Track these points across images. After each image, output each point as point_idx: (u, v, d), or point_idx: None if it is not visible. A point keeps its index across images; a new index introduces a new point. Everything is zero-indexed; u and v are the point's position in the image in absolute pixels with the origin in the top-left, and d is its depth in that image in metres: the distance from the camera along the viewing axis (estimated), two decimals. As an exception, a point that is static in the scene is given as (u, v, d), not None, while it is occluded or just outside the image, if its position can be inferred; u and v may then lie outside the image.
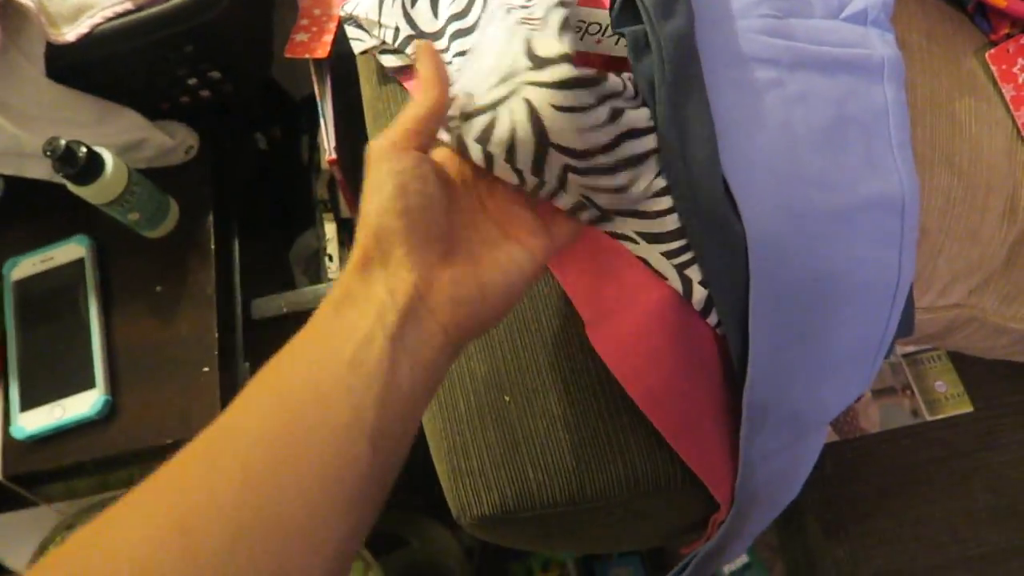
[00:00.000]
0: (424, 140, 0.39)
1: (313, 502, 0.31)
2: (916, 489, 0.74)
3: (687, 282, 0.49)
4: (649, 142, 0.47)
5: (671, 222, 0.48)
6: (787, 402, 0.51)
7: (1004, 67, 0.61)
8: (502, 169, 0.41)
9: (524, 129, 0.40)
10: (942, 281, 0.60)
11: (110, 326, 0.75)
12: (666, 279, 0.49)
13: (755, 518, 0.59)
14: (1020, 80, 0.61)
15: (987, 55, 0.62)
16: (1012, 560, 0.71)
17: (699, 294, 0.49)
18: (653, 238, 0.49)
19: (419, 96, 0.40)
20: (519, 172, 0.42)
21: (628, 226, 0.49)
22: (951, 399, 0.75)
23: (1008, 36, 0.62)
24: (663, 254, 0.49)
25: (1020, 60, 0.61)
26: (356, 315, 0.35)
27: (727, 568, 1.31)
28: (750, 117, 0.49)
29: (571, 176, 0.43)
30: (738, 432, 0.51)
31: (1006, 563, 0.71)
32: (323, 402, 0.33)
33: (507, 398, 0.55)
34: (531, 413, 0.54)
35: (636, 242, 0.49)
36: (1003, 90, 0.61)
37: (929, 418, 0.75)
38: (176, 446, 0.70)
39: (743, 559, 1.31)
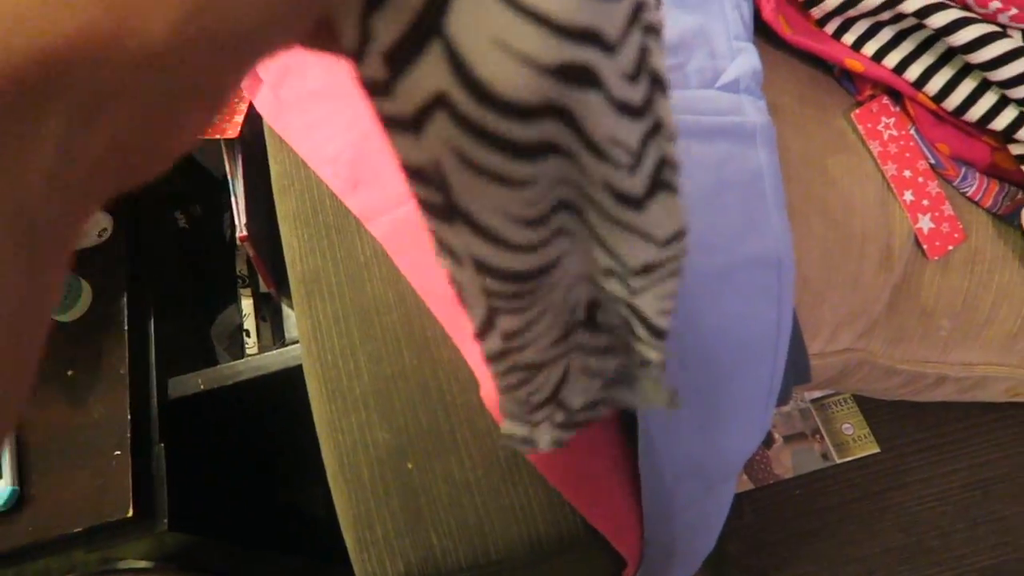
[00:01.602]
0: None
1: None
2: (833, 531, 0.76)
3: None
4: None
5: None
6: (688, 455, 0.53)
7: (870, 125, 0.66)
8: None
9: None
10: (829, 328, 0.63)
11: (19, 413, 0.74)
12: None
13: (674, 572, 0.60)
14: (885, 137, 0.65)
15: (853, 115, 0.66)
16: (926, 597, 0.72)
17: None
18: None
19: None
20: None
21: None
22: (858, 441, 0.77)
23: (871, 97, 0.67)
24: None
25: (884, 119, 0.66)
26: None
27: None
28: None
29: None
30: (639, 487, 0.52)
31: (920, 600, 0.72)
32: None
33: (410, 465, 0.55)
34: (433, 478, 0.55)
35: None
36: (870, 146, 0.65)
37: (839, 460, 0.77)
38: (88, 534, 0.68)
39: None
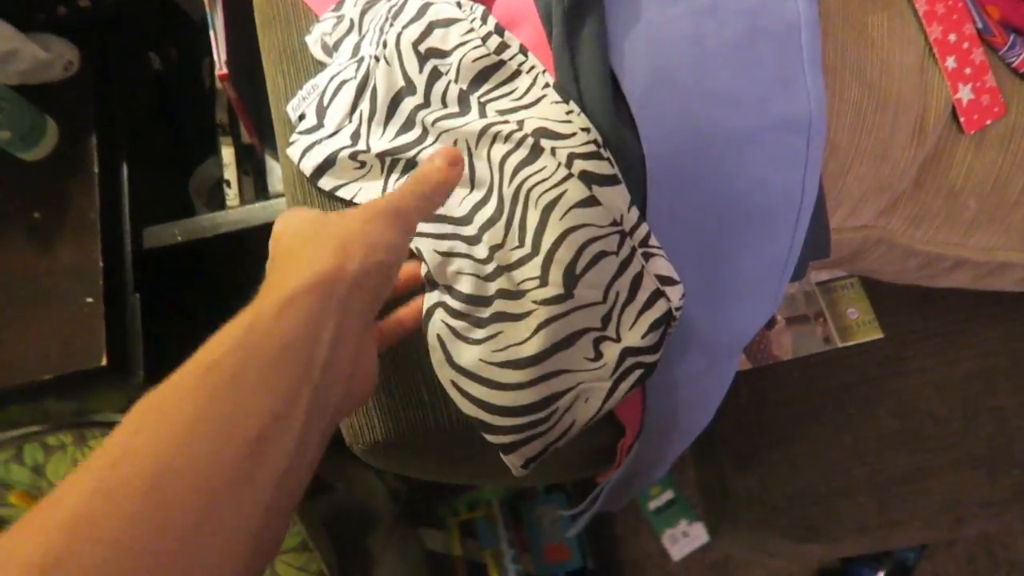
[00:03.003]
0: (424, 218, 0.41)
1: None
2: (826, 414, 0.75)
3: None
4: None
5: None
6: (694, 326, 0.50)
7: (918, -20, 0.60)
8: None
9: None
10: (851, 200, 0.59)
11: (-17, 255, 0.70)
12: None
13: (668, 446, 0.58)
14: (933, -6, 0.59)
15: (901, -33, 0.60)
16: (915, 481, 0.72)
17: None
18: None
19: (439, 175, 0.40)
20: None
21: None
22: (862, 326, 0.75)
23: (923, -52, 0.60)
24: None
25: (934, -27, 0.59)
26: (279, 359, 0.29)
27: (652, 504, 1.33)
28: (655, 31, 0.47)
29: None
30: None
31: (909, 484, 0.72)
32: (206, 506, 0.26)
33: (401, 319, 0.52)
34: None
35: None
36: (916, 5, 0.60)
37: (840, 345, 0.75)
38: (58, 382, 0.66)
39: (668, 495, 1.33)
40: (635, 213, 0.43)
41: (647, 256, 0.43)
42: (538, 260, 0.43)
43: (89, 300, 0.67)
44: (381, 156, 0.49)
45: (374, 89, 0.49)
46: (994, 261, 0.65)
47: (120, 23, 0.78)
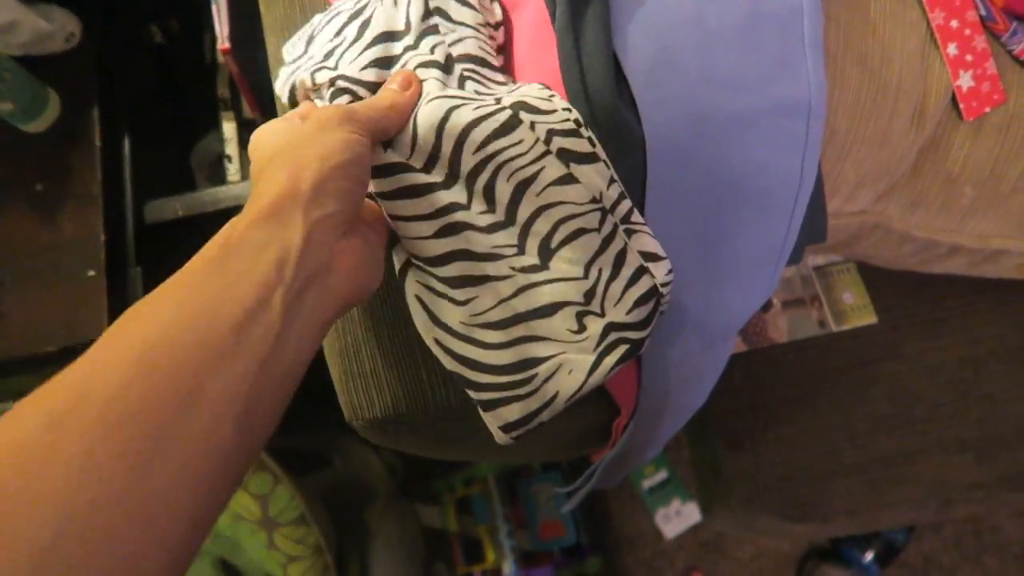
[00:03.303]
0: (378, 136, 0.41)
1: (159, 490, 0.27)
2: (819, 397, 0.76)
3: None
4: None
5: None
6: (690, 308, 0.51)
7: (922, -35, 0.59)
8: None
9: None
10: (849, 185, 0.60)
11: (-15, 226, 0.70)
12: None
13: (662, 425, 0.59)
14: (937, -20, 0.59)
15: (906, -48, 0.60)
16: (905, 464, 0.73)
17: None
18: None
19: (393, 95, 0.42)
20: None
21: None
22: (857, 310, 0.76)
23: (928, -67, 0.60)
24: None
25: (938, -42, 0.59)
26: (252, 263, 0.32)
27: (646, 483, 1.35)
28: (658, 13, 0.47)
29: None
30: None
31: (899, 467, 0.73)
32: (192, 377, 0.29)
33: (401, 297, 0.53)
34: (425, 312, 0.52)
35: None
36: (919, -10, 0.60)
37: (835, 329, 0.76)
38: (62, 353, 0.66)
39: (662, 475, 1.35)
40: (615, 190, 0.43)
41: (629, 232, 0.43)
42: (514, 230, 0.43)
43: (91, 273, 0.68)
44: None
45: (368, 21, 0.48)
46: (989, 248, 0.66)
47: (119, -5, 0.78)
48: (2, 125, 0.70)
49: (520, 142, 0.41)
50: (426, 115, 0.42)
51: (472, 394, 0.45)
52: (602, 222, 0.43)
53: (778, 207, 0.51)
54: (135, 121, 0.77)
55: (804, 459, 0.74)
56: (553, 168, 0.41)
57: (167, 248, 0.77)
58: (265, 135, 0.40)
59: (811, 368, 0.76)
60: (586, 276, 0.42)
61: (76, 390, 0.27)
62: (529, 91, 0.44)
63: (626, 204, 0.43)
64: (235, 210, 0.73)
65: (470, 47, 0.47)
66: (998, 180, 0.62)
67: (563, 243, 0.42)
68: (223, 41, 0.67)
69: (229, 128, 0.79)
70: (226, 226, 0.34)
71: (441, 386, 0.52)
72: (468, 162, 0.42)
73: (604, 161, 0.42)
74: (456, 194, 0.43)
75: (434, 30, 0.47)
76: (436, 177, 0.42)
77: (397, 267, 0.45)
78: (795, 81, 0.50)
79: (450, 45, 0.46)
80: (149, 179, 0.76)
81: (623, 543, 1.34)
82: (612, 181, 0.43)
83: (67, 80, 0.73)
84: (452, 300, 0.44)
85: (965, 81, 0.60)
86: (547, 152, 0.41)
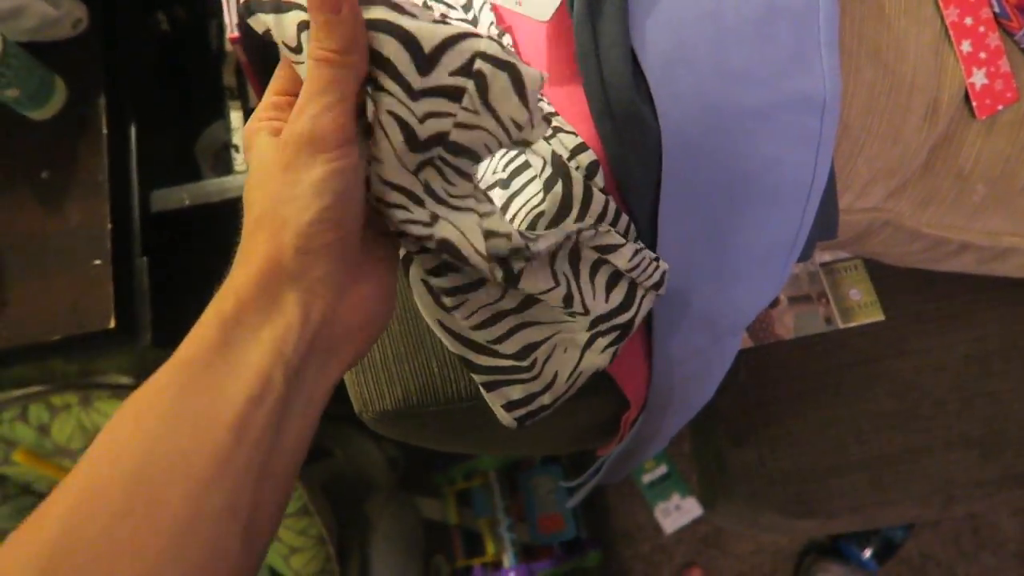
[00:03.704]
0: (352, 130, 0.32)
1: None
2: (825, 393, 0.76)
3: None
4: None
5: None
6: (699, 303, 0.51)
7: (937, -39, 0.59)
8: None
9: None
10: (861, 181, 0.59)
11: (-10, 213, 0.69)
12: None
13: (669, 420, 0.59)
14: (952, -24, 0.59)
15: (921, -52, 0.59)
16: (910, 461, 0.73)
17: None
18: None
19: (339, 69, 0.32)
20: None
21: None
22: (864, 307, 0.76)
23: (943, -71, 0.60)
24: None
25: (953, -45, 0.59)
26: (250, 351, 0.29)
27: (646, 478, 1.35)
28: (675, 6, 0.47)
29: None
30: (651, 332, 0.50)
31: (904, 464, 0.73)
32: (193, 489, 0.26)
33: (413, 289, 0.53)
34: (437, 305, 0.52)
35: None
36: (934, -14, 0.59)
37: (842, 326, 0.76)
38: (66, 343, 0.66)
39: (662, 469, 1.35)
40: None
41: (580, 231, 0.41)
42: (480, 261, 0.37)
43: (97, 262, 0.67)
44: None
45: None
46: (999, 246, 0.66)
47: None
48: (8, 112, 0.69)
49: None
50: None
51: (476, 376, 0.45)
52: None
53: (790, 202, 0.50)
54: (141, 109, 0.76)
55: (809, 455, 0.74)
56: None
57: (173, 237, 0.77)
58: (251, 190, 0.34)
59: (817, 364, 0.76)
60: (557, 283, 0.41)
61: (68, 528, 0.25)
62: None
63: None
64: (241, 200, 0.73)
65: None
66: (1009, 178, 0.62)
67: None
68: (232, 30, 0.67)
69: (236, 117, 0.78)
70: (217, 300, 0.31)
71: (452, 380, 0.52)
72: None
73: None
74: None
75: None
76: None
77: (401, 254, 0.44)
78: (810, 76, 0.50)
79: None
80: (155, 167, 0.76)
81: (622, 537, 1.34)
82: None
83: (73, 67, 0.72)
84: (446, 308, 0.43)
85: (978, 78, 0.60)
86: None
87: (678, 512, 1.33)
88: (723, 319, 0.53)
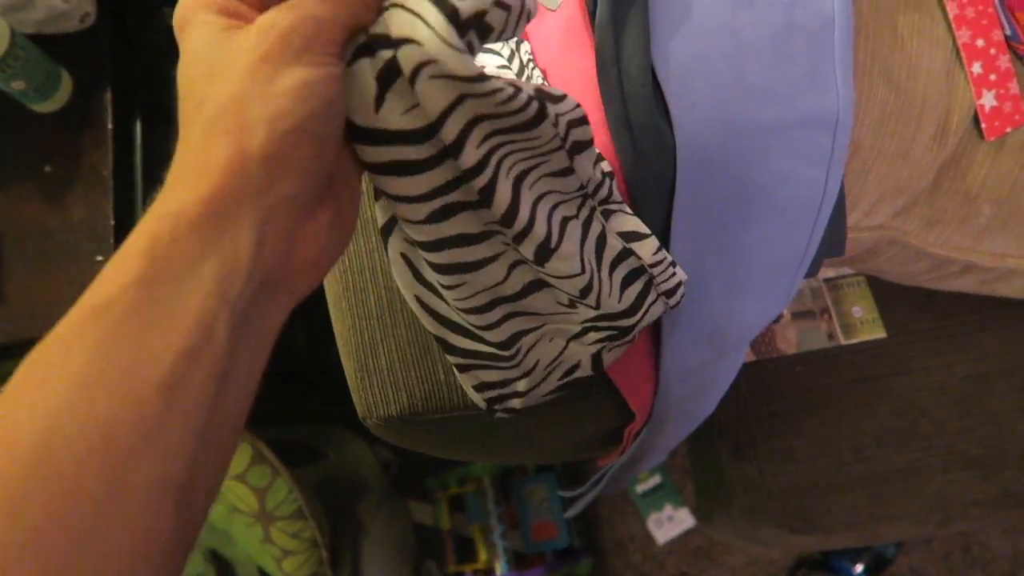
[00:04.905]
0: (343, 37, 0.28)
1: None
2: (826, 409, 0.76)
3: None
4: None
5: None
6: (708, 316, 0.51)
7: (950, -17, 0.59)
8: None
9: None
10: (869, 200, 0.60)
11: (-8, 206, 0.69)
12: None
13: (671, 432, 0.59)
14: (965, -2, 0.59)
15: (935, -31, 0.60)
16: (910, 479, 0.73)
17: None
18: None
19: None
20: None
21: None
22: (866, 324, 0.76)
23: (957, -49, 0.60)
24: None
25: (967, -23, 0.59)
26: (186, 291, 0.24)
27: (640, 488, 1.35)
28: (694, 20, 0.47)
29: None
30: (658, 344, 0.50)
31: (904, 481, 0.73)
32: (112, 464, 0.22)
33: (420, 295, 0.52)
34: (445, 312, 0.52)
35: None
36: (947, 8, 0.60)
37: (844, 342, 0.76)
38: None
39: (656, 480, 1.35)
40: (599, 171, 0.40)
41: (607, 214, 0.41)
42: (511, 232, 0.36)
43: (99, 258, 0.67)
44: None
45: None
46: (1004, 267, 0.66)
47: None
48: (13, 104, 0.69)
49: (537, 138, 0.36)
50: (434, 96, 0.30)
51: (451, 358, 0.44)
52: (581, 207, 0.40)
53: (800, 219, 0.51)
54: (147, 104, 0.76)
55: (808, 470, 0.74)
56: (557, 160, 0.38)
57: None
58: (197, 80, 0.28)
59: (818, 380, 0.76)
60: (583, 271, 0.39)
61: None
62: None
63: (607, 184, 0.40)
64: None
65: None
66: (1016, 200, 0.62)
67: (560, 240, 0.38)
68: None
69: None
70: (146, 223, 0.25)
71: (458, 387, 0.51)
72: (472, 155, 0.33)
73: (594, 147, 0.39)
74: (449, 172, 0.35)
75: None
76: (430, 150, 0.33)
77: (381, 223, 0.40)
78: (824, 93, 0.50)
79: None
80: (159, 163, 0.75)
81: (614, 546, 1.34)
82: (598, 160, 0.41)
83: (80, 61, 0.72)
84: (440, 286, 0.41)
85: (988, 100, 0.60)
86: (560, 148, 0.37)
87: (670, 523, 1.32)
88: (730, 333, 0.53)
